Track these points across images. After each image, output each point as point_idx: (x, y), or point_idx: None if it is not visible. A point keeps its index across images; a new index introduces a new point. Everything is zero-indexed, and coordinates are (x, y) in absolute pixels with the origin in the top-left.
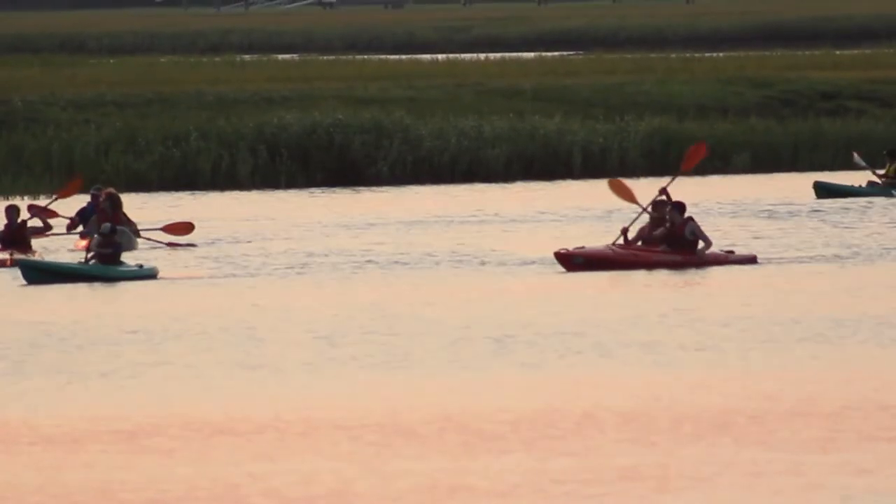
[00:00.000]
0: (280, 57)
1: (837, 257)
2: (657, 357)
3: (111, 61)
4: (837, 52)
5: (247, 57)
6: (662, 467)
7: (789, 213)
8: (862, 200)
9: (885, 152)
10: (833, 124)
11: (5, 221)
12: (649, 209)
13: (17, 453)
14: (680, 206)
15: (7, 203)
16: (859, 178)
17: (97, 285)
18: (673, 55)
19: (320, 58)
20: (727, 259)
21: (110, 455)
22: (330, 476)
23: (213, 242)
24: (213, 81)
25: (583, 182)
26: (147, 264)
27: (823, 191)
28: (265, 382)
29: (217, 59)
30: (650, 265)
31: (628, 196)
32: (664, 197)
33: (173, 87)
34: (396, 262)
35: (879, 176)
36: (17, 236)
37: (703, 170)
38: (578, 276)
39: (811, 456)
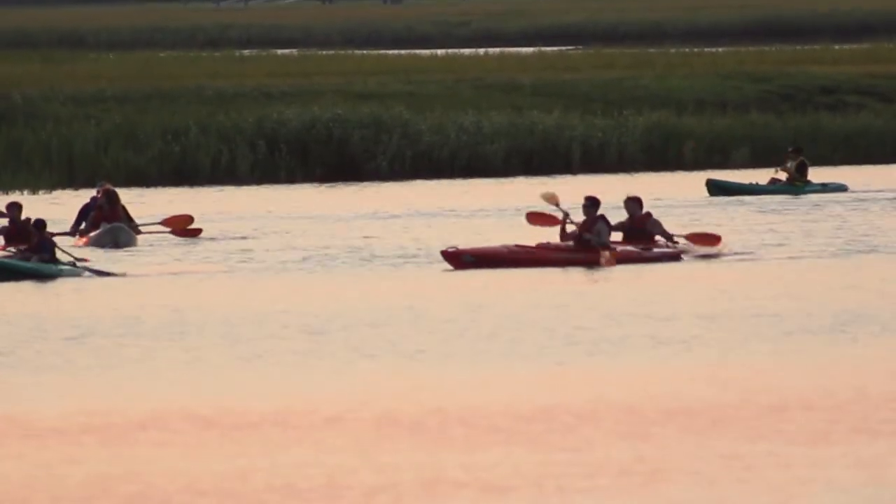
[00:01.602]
0: (279, 52)
1: (803, 251)
2: (645, 351)
3: (111, 56)
4: (836, 47)
5: (246, 52)
6: (657, 461)
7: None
8: (767, 198)
9: (789, 150)
10: (832, 119)
11: (8, 219)
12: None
13: (10, 446)
14: (593, 202)
15: (9, 200)
16: (757, 175)
17: (91, 279)
18: (672, 50)
19: (319, 53)
20: (640, 257)
21: (108, 448)
22: (328, 467)
23: (212, 237)
24: (213, 76)
25: (582, 177)
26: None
27: (717, 188)
28: (262, 375)
29: (216, 54)
30: (546, 263)
31: (550, 221)
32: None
33: (173, 82)
34: (396, 256)
35: (783, 171)
36: (23, 233)
37: (703, 165)
38: (577, 269)
39: (805, 448)
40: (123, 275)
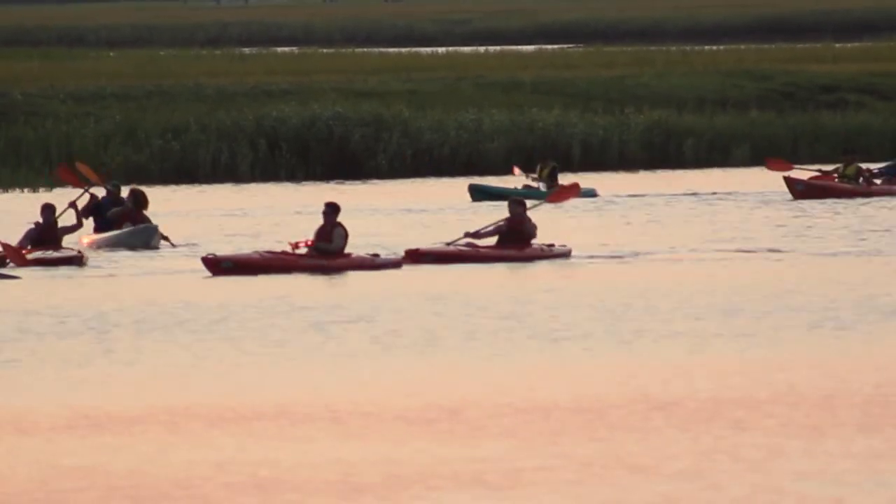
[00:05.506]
0: (279, 50)
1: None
2: (629, 345)
3: (111, 54)
4: (837, 45)
5: (246, 50)
6: (648, 454)
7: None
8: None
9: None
10: (832, 117)
11: (38, 220)
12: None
13: (6, 442)
14: (333, 208)
15: (43, 201)
16: (516, 181)
17: (83, 275)
18: (672, 48)
19: (320, 51)
20: (372, 263)
21: (102, 443)
22: (324, 463)
23: (211, 235)
24: (213, 74)
25: (582, 175)
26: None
27: (478, 193)
28: (259, 370)
29: (217, 51)
30: (293, 269)
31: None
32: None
33: (173, 79)
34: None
35: (535, 179)
36: (49, 235)
37: (704, 163)
38: (569, 263)
39: (797, 441)
40: (19, 277)
